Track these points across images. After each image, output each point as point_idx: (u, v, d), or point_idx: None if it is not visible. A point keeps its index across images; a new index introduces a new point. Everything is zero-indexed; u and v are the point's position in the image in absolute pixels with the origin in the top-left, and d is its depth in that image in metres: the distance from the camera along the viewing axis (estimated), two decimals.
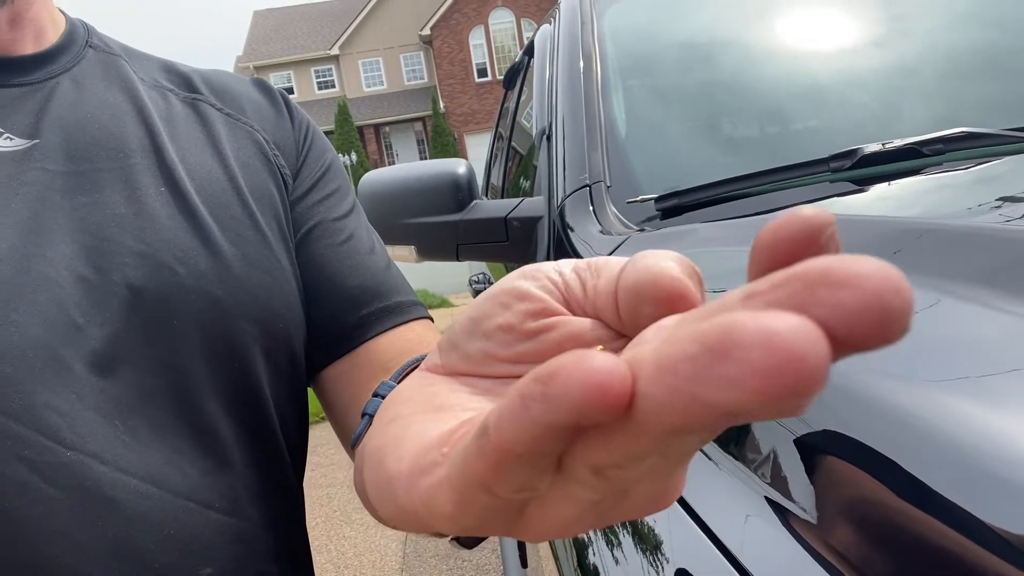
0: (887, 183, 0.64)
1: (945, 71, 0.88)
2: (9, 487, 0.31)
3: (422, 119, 25.09)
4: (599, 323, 0.18)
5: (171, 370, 0.36)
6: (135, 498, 0.33)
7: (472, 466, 0.14)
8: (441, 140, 22.61)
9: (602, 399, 0.11)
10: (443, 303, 5.58)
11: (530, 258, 0.90)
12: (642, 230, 0.70)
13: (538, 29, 1.29)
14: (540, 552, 0.71)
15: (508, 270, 1.30)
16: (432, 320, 0.47)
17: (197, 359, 0.37)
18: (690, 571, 0.33)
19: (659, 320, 0.16)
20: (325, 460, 2.83)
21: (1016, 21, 0.93)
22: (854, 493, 0.28)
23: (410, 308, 0.45)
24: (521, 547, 1.06)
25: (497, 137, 2.09)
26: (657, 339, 0.14)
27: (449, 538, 0.36)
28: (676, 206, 0.72)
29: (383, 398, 0.34)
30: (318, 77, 26.07)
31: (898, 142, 0.67)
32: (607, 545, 0.42)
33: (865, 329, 0.11)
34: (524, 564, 1.04)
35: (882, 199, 0.61)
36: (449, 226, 0.93)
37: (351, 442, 0.39)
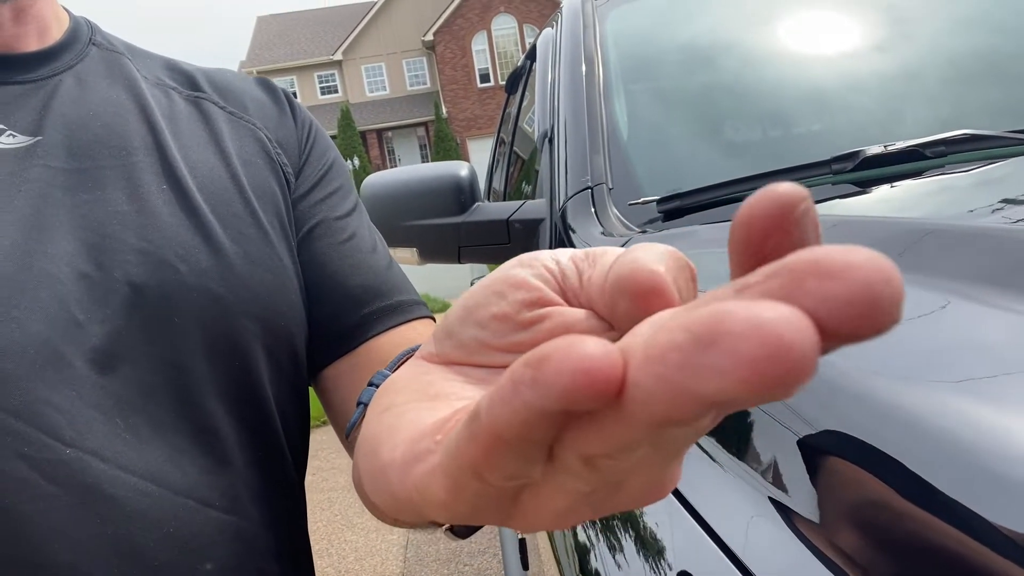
0: (889, 185, 0.63)
1: (947, 75, 0.88)
2: (8, 484, 0.31)
3: (425, 124, 25.16)
4: (593, 314, 0.18)
5: (172, 368, 0.36)
6: (135, 496, 0.33)
7: (464, 451, 0.14)
8: (443, 145, 22.66)
9: (592, 385, 0.11)
10: (445, 307, 5.58)
11: None
12: (644, 232, 0.70)
13: (540, 33, 1.30)
14: (542, 556, 0.71)
15: None
16: (434, 320, 0.47)
17: (198, 357, 0.37)
18: (693, 574, 0.33)
19: (634, 317, 0.15)
20: (326, 464, 2.83)
21: (1017, 25, 0.93)
22: (858, 493, 0.27)
23: (412, 307, 0.45)
24: (522, 550, 1.06)
25: (499, 142, 2.09)
26: (651, 329, 0.14)
27: (443, 528, 0.36)
28: (678, 208, 0.72)
29: (377, 387, 0.34)
30: (321, 82, 26.18)
31: (900, 144, 0.67)
32: (609, 550, 0.41)
33: (854, 320, 0.11)
34: (525, 567, 1.03)
35: (884, 201, 0.61)
36: (451, 228, 0.93)
37: (345, 431, 0.39)
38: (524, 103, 1.56)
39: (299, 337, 0.42)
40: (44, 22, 0.41)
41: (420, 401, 0.19)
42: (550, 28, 1.22)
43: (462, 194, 0.93)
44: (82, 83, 0.41)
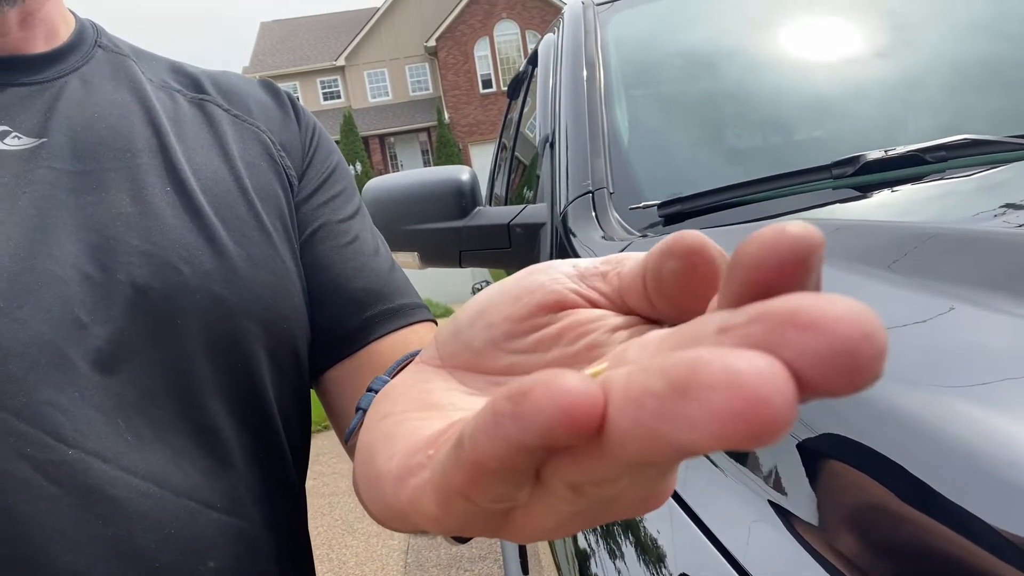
0: (890, 190, 0.64)
1: (947, 80, 0.88)
2: (10, 485, 0.31)
3: (427, 130, 25.22)
4: (610, 312, 0.18)
5: (174, 369, 0.36)
6: (136, 497, 0.33)
7: (451, 475, 0.14)
8: (446, 150, 22.71)
9: (571, 423, 0.11)
10: (447, 312, 5.58)
11: (533, 264, 0.90)
12: (644, 236, 0.70)
13: (542, 38, 1.30)
14: (542, 561, 0.71)
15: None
16: (436, 323, 0.47)
17: (201, 358, 0.37)
18: None
19: (680, 280, 0.16)
20: (327, 469, 2.82)
21: (1016, 30, 0.93)
22: (859, 497, 0.27)
23: (414, 310, 0.45)
24: (522, 556, 1.05)
25: (501, 147, 2.10)
26: (635, 360, 0.14)
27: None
28: (678, 212, 0.72)
29: (376, 392, 0.34)
30: (324, 88, 26.26)
31: (900, 149, 0.67)
32: (609, 555, 0.41)
33: (832, 376, 0.10)
34: (525, 572, 1.03)
35: (885, 206, 0.61)
36: (452, 232, 0.93)
37: (345, 436, 0.39)
38: (526, 108, 1.57)
39: (301, 339, 0.42)
40: (52, 25, 0.41)
41: (418, 410, 0.19)
42: (552, 33, 1.23)
43: (463, 198, 0.93)
44: (87, 85, 0.41)
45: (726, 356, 0.10)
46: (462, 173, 0.95)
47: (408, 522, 0.17)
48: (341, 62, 25.64)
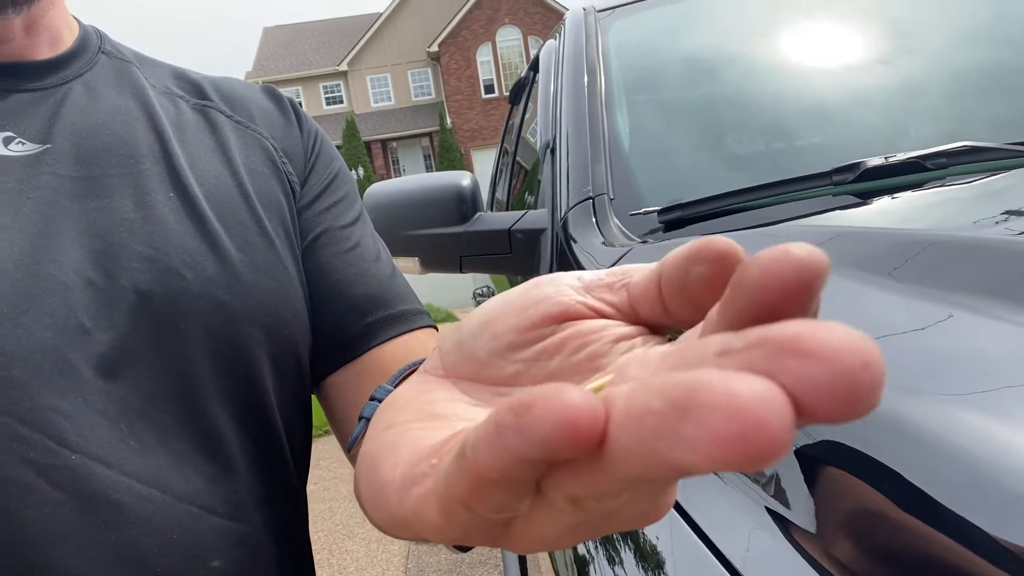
0: (890, 197, 0.64)
1: (947, 87, 0.89)
2: (13, 489, 0.31)
3: (429, 135, 25.28)
4: (617, 321, 0.18)
5: (177, 375, 0.36)
6: (138, 502, 0.33)
7: (453, 486, 0.14)
8: (448, 156, 22.75)
9: (572, 437, 0.11)
10: (448, 317, 5.58)
11: (533, 270, 0.90)
12: (645, 242, 0.70)
13: (543, 44, 1.31)
14: (541, 568, 0.70)
15: (511, 282, 1.30)
16: (437, 329, 0.47)
17: (203, 364, 0.37)
18: None
19: (711, 283, 0.16)
20: (328, 474, 2.82)
21: (1017, 38, 0.94)
22: (858, 505, 0.27)
23: (415, 316, 0.45)
24: (522, 562, 1.05)
25: (502, 152, 2.10)
26: (637, 378, 0.14)
27: None
28: (679, 218, 0.72)
29: (380, 402, 0.34)
30: (326, 93, 26.34)
31: (901, 156, 0.67)
32: (608, 563, 0.41)
33: (830, 403, 0.10)
34: None
35: (885, 213, 0.61)
36: (453, 238, 0.93)
37: (348, 445, 0.39)
38: (527, 114, 1.57)
39: (303, 345, 0.42)
40: (56, 31, 0.42)
41: (421, 420, 0.19)
42: (553, 39, 1.23)
43: (464, 204, 0.94)
44: (91, 91, 0.41)
45: (726, 379, 0.10)
46: (463, 179, 0.95)
47: (411, 530, 0.17)
48: (344, 67, 25.73)
